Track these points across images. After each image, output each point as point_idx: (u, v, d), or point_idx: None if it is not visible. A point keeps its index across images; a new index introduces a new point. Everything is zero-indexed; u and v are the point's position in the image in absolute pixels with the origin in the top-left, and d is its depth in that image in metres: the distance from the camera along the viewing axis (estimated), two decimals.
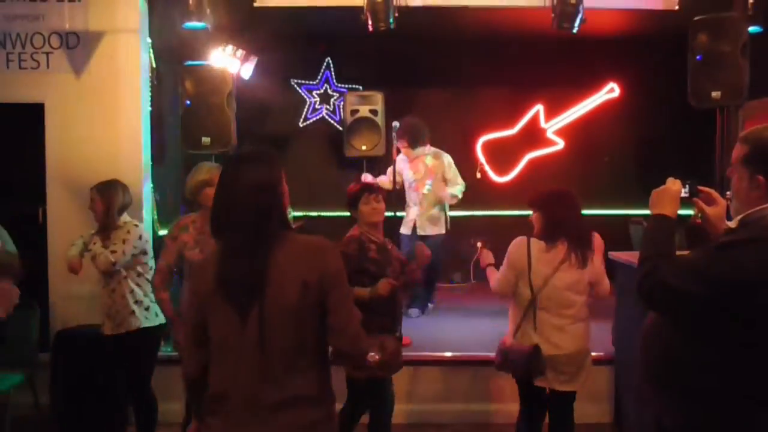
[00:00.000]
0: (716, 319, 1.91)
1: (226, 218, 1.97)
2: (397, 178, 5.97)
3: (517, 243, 3.45)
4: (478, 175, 7.46)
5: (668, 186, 2.17)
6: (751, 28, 5.38)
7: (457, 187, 6.06)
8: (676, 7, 6.03)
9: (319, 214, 7.24)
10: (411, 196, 6.15)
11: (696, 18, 5.38)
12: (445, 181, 6.05)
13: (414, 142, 5.97)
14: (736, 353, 1.91)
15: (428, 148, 6.09)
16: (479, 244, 3.78)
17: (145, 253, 4.08)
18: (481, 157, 7.84)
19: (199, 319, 2.01)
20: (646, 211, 2.18)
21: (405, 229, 6.14)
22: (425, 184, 6.06)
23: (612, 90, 7.94)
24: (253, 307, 1.91)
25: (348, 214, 3.67)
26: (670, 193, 2.14)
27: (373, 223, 3.55)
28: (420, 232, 6.03)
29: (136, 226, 4.09)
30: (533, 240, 3.42)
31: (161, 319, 4.03)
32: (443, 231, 6.09)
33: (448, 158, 6.12)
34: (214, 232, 2.02)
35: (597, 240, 3.48)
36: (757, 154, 1.99)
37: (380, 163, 7.13)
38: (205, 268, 2.02)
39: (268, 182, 1.98)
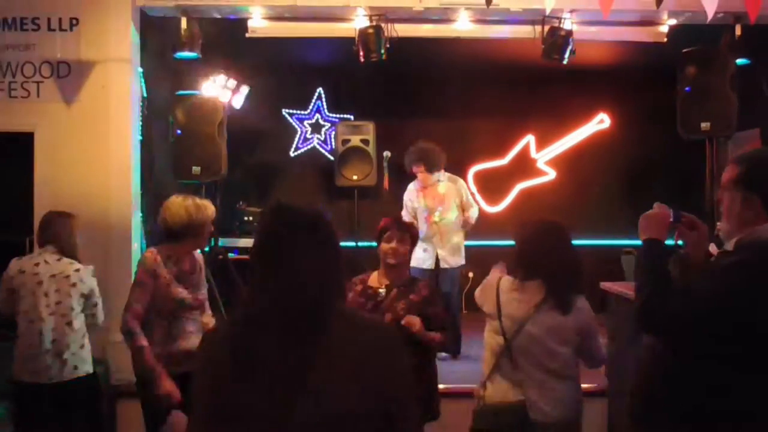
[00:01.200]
0: (713, 343, 1.93)
1: (275, 283, 1.58)
2: (410, 211, 5.80)
3: (488, 285, 3.01)
4: None
5: (655, 210, 2.20)
6: (739, 60, 5.47)
7: (472, 209, 5.84)
8: (665, 40, 6.13)
9: None
10: (422, 228, 5.68)
11: (684, 50, 5.48)
12: (462, 206, 5.81)
13: (431, 167, 5.72)
14: (734, 375, 1.92)
15: (443, 174, 5.86)
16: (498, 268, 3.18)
17: (13, 291, 3.72)
18: (472, 187, 7.86)
19: (214, 402, 1.59)
20: (638, 242, 2.19)
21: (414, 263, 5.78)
22: (436, 212, 5.76)
23: (602, 121, 8.02)
24: (295, 402, 1.52)
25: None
26: (657, 217, 2.18)
27: (388, 264, 3.31)
28: (442, 264, 5.74)
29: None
30: (505, 278, 2.98)
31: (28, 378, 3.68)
32: (463, 261, 5.84)
33: (462, 182, 5.93)
34: (253, 297, 1.63)
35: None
36: (752, 173, 2.03)
37: (372, 193, 7.14)
38: (227, 338, 1.63)
39: (332, 244, 1.65)
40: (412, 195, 5.92)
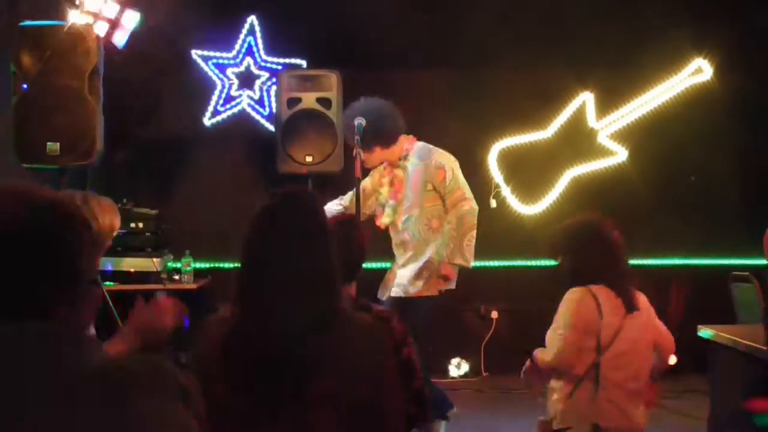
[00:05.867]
0: None
1: (267, 282, 2.47)
2: (368, 206, 5.77)
3: (579, 295, 3.88)
4: (493, 204, 7.48)
5: None
6: None
7: (462, 204, 5.57)
8: None
9: (237, 264, 7.18)
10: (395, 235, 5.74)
11: None
12: (441, 197, 5.59)
13: (364, 140, 5.46)
14: None
15: (409, 145, 5.74)
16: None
17: None
18: (497, 175, 7.88)
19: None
20: (758, 261, 2.18)
21: (382, 293, 5.76)
22: (385, 207, 5.72)
23: (700, 70, 8.07)
24: (293, 399, 2.29)
25: None
26: None
27: None
28: (397, 291, 5.59)
29: None
30: (593, 287, 3.89)
31: None
32: (434, 293, 5.58)
33: (441, 158, 5.69)
34: (244, 298, 2.48)
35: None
36: None
37: (336, 183, 7.11)
38: (217, 342, 2.41)
39: (321, 231, 2.48)
40: (375, 178, 5.90)
